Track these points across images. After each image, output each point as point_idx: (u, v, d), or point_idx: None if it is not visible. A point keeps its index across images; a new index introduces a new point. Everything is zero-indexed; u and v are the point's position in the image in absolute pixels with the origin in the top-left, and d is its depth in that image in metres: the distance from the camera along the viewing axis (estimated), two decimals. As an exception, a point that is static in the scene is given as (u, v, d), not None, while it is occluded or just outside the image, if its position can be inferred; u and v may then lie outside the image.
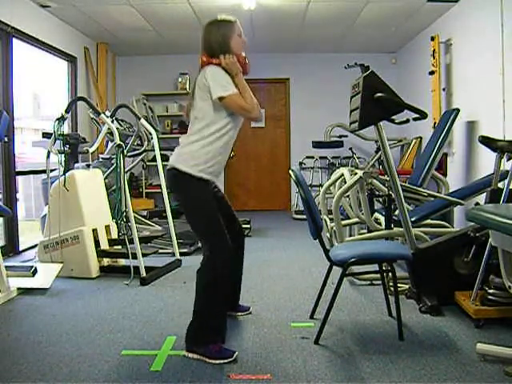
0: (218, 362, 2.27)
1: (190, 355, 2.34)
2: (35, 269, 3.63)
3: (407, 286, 3.22)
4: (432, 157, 4.43)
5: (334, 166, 7.39)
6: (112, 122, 4.23)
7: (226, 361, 2.27)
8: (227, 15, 2.54)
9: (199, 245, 5.10)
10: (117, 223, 4.01)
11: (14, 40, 4.86)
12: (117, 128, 4.26)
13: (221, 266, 2.35)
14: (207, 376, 2.14)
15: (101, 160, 5.30)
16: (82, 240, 3.85)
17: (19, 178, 6.09)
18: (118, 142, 3.83)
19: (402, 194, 2.95)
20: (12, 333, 2.70)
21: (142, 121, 4.64)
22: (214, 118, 2.39)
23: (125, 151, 3.97)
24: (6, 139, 4.46)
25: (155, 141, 4.51)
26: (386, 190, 3.48)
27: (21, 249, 4.97)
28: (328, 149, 7.32)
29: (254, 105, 2.44)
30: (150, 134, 4.64)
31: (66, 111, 3.94)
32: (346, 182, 3.74)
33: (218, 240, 2.37)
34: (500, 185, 3.10)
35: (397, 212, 3.26)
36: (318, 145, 7.05)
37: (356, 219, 4.00)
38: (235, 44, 2.48)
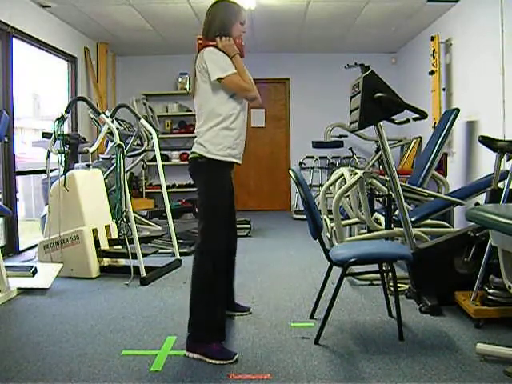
0: (218, 362, 2.26)
1: (191, 355, 2.34)
2: (35, 269, 3.63)
3: (407, 286, 3.22)
4: (432, 157, 4.43)
5: (334, 166, 7.39)
6: (112, 122, 4.23)
7: (225, 362, 2.26)
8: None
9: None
10: (117, 223, 4.01)
11: (14, 40, 4.86)
12: (117, 128, 4.26)
13: (215, 258, 2.38)
14: (207, 376, 2.14)
15: (101, 160, 5.30)
16: (82, 240, 3.85)
17: (19, 178, 6.09)
18: (118, 142, 3.83)
19: (401, 194, 2.95)
20: (12, 333, 2.70)
21: (142, 121, 4.63)
22: (217, 101, 2.42)
23: (125, 151, 3.97)
24: (6, 139, 4.46)
25: (155, 141, 4.50)
26: (386, 189, 3.48)
27: (21, 249, 4.97)
28: (328, 149, 7.32)
29: (253, 85, 2.45)
30: (150, 133, 4.64)
31: (66, 111, 3.94)
32: (346, 182, 3.74)
33: (215, 230, 2.40)
34: (500, 185, 3.10)
35: (397, 212, 3.26)
36: (317, 145, 7.05)
37: (356, 219, 4.00)
38: (236, 30, 2.50)
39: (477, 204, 3.65)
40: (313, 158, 7.70)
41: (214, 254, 2.39)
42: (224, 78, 2.36)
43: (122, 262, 4.19)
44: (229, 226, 2.59)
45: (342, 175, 3.96)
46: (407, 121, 2.89)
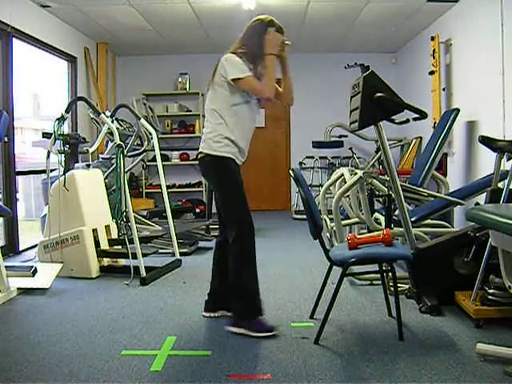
0: (261, 334, 2.52)
1: (236, 330, 2.58)
2: (35, 269, 3.63)
3: (407, 286, 3.22)
4: (432, 157, 4.43)
5: (334, 166, 7.39)
6: (112, 122, 4.23)
7: (267, 334, 2.52)
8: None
9: (199, 244, 5.11)
10: (117, 223, 4.01)
11: (14, 40, 4.86)
12: (117, 128, 4.26)
13: (249, 238, 2.77)
14: (207, 376, 2.14)
15: (101, 160, 5.30)
16: (82, 240, 3.85)
17: (19, 178, 6.10)
18: (118, 142, 3.82)
19: (401, 194, 2.96)
20: (12, 333, 2.70)
21: (142, 121, 4.63)
22: (221, 105, 2.64)
23: (125, 151, 3.97)
24: (6, 139, 4.46)
25: (155, 141, 4.50)
26: (386, 189, 3.47)
27: (21, 249, 4.97)
28: (328, 149, 7.31)
29: (270, 86, 2.64)
30: (150, 134, 4.64)
31: (66, 111, 3.94)
32: (346, 182, 3.74)
33: (245, 215, 2.78)
34: (500, 185, 3.10)
35: (397, 212, 3.26)
36: (317, 145, 7.05)
37: (356, 219, 3.99)
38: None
39: (477, 204, 3.65)
40: (313, 158, 7.70)
41: (249, 225, 2.78)
42: (242, 79, 2.56)
43: (122, 261, 4.19)
44: None
45: (342, 175, 3.96)
46: (407, 121, 2.89)
